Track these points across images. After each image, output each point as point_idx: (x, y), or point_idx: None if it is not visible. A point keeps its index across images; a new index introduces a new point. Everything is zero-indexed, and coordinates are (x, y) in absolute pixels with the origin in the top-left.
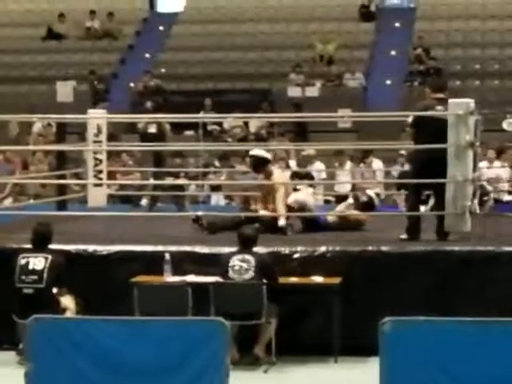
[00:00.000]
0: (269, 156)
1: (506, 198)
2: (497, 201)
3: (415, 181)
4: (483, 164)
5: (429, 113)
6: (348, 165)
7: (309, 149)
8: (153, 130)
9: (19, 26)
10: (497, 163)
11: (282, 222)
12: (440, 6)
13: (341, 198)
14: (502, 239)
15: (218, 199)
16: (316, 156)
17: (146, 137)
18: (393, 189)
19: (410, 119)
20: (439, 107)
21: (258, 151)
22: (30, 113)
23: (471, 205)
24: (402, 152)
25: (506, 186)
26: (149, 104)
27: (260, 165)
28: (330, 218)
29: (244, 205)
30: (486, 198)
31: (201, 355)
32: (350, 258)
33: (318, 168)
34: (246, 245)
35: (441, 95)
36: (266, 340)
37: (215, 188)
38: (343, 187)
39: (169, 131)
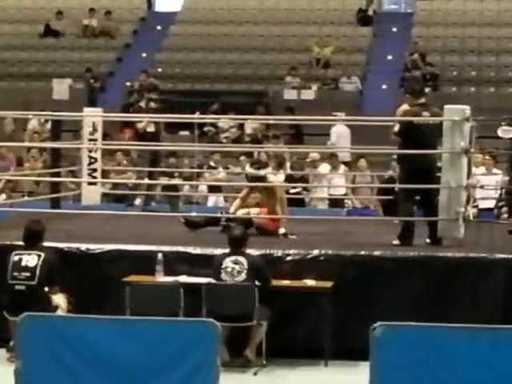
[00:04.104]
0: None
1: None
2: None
3: (408, 186)
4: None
5: (420, 118)
6: (342, 168)
7: (305, 151)
8: (151, 129)
9: (17, 23)
10: (495, 170)
11: (282, 230)
12: (437, 12)
13: (335, 202)
14: (495, 246)
15: (216, 200)
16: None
17: (144, 136)
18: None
19: (396, 128)
20: (425, 113)
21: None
22: (26, 110)
23: (465, 211)
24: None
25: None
26: (143, 103)
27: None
28: None
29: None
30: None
31: (191, 356)
32: (343, 262)
33: (323, 170)
34: (236, 246)
35: (422, 100)
36: (257, 342)
37: (213, 189)
38: (337, 190)
39: (162, 129)
